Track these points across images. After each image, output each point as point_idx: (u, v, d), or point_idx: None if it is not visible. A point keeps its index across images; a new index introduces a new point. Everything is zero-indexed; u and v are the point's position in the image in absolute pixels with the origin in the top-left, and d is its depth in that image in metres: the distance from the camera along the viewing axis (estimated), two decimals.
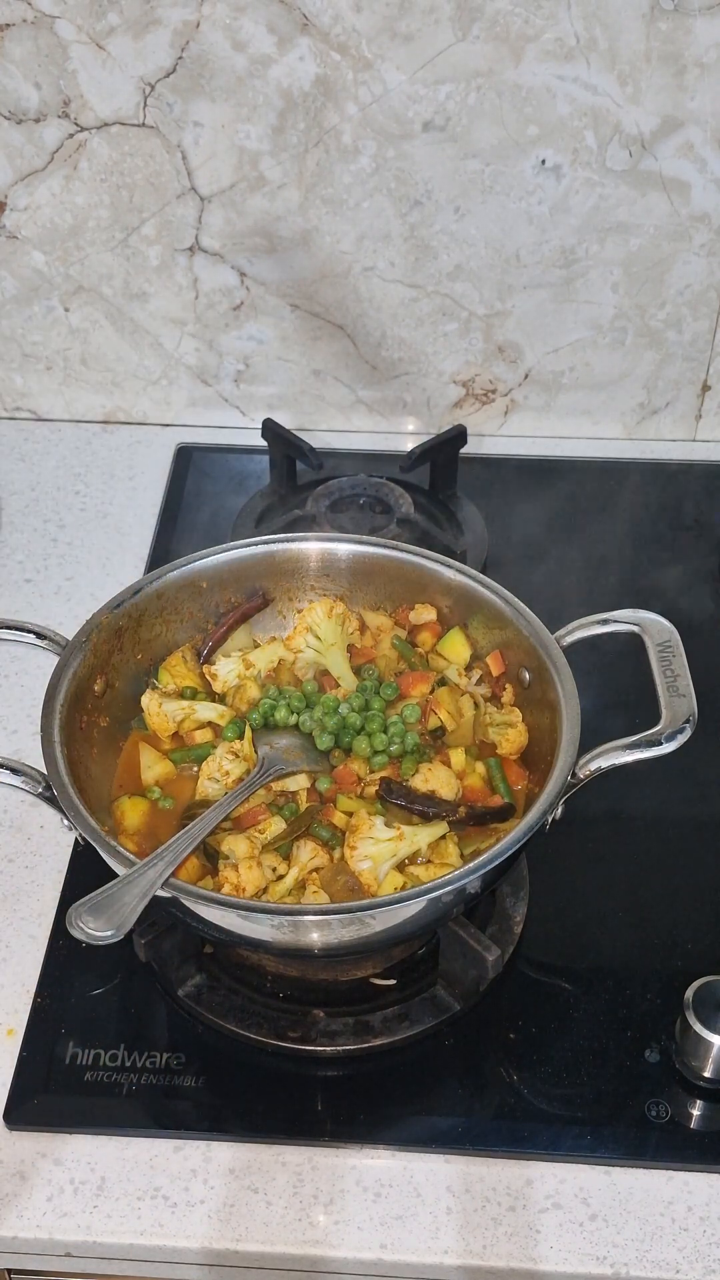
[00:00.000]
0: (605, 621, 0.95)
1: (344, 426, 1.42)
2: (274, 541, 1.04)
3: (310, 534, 1.08)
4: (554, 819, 0.85)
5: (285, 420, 1.32)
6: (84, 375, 1.40)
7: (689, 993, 0.86)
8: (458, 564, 1.01)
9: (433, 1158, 0.84)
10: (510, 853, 0.80)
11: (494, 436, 1.42)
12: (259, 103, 1.20)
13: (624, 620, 0.95)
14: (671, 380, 1.37)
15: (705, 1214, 0.82)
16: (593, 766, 0.86)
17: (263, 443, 1.30)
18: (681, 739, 0.86)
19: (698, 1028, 0.85)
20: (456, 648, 1.00)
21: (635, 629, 0.94)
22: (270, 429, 1.29)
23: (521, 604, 0.97)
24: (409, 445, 1.30)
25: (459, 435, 1.29)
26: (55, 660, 0.93)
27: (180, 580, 1.00)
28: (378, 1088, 0.87)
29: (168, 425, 1.43)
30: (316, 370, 1.37)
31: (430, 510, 1.28)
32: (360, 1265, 0.81)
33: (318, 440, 1.34)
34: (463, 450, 1.30)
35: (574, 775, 0.85)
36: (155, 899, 0.79)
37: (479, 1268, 0.80)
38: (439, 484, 1.30)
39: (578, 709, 0.89)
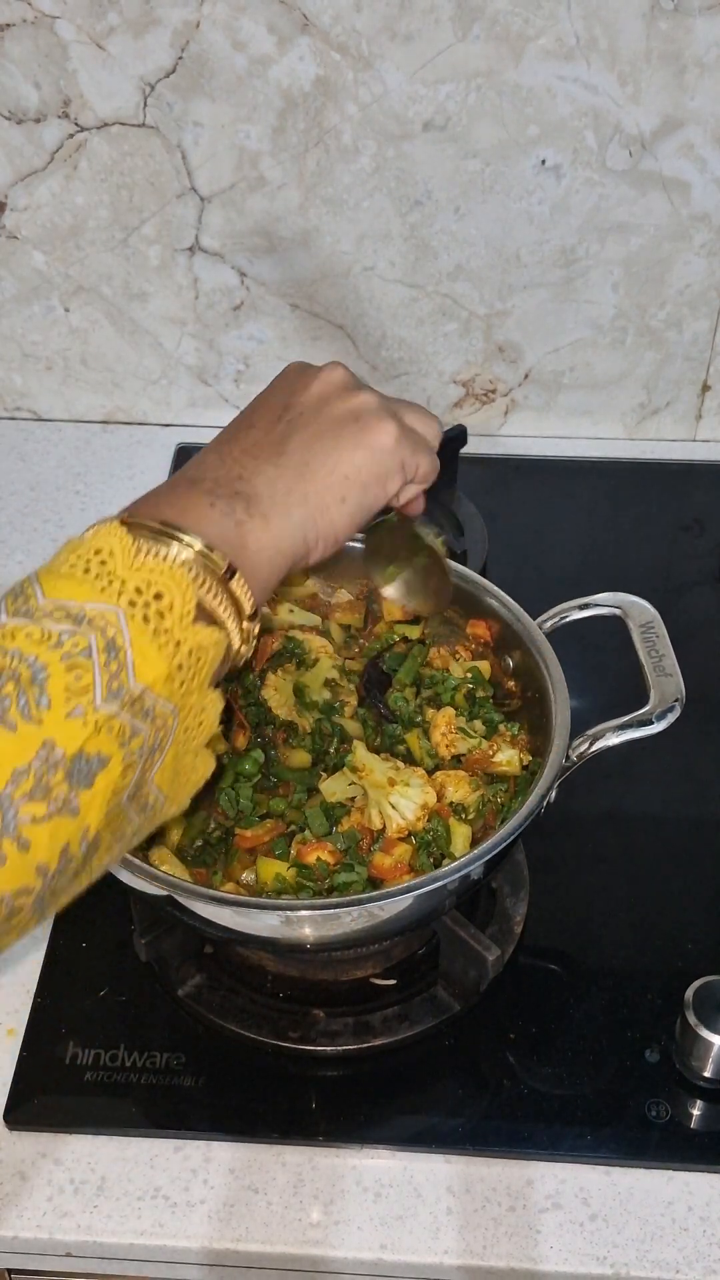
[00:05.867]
0: (586, 605, 0.95)
1: None
2: None
3: None
4: (549, 803, 0.85)
5: None
6: (84, 375, 1.40)
7: (689, 993, 0.86)
8: None
9: (433, 1158, 0.84)
10: (511, 839, 0.80)
11: (494, 436, 1.42)
12: (259, 103, 1.20)
13: (605, 604, 0.95)
14: (671, 380, 1.37)
15: (705, 1214, 0.82)
16: (585, 749, 0.86)
17: None
18: (671, 717, 0.86)
19: (698, 1028, 0.85)
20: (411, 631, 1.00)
21: (617, 612, 0.94)
22: None
23: (498, 589, 0.96)
24: None
25: (459, 435, 1.29)
26: None
27: None
28: (378, 1088, 0.87)
29: (167, 425, 1.43)
30: None
31: (430, 510, 1.28)
32: (360, 1265, 0.81)
33: None
34: (463, 450, 1.30)
35: (567, 758, 0.86)
36: (152, 897, 0.79)
37: (479, 1268, 0.80)
38: (439, 484, 1.30)
39: (566, 693, 0.88)
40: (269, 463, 0.66)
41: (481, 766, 0.90)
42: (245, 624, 0.62)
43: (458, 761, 0.91)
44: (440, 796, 0.87)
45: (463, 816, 0.87)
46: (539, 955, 0.94)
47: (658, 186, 1.24)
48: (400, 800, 0.85)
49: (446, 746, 0.90)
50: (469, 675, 0.95)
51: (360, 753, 0.88)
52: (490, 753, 0.90)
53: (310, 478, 0.66)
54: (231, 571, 0.61)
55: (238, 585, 0.61)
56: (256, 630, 0.64)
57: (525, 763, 0.89)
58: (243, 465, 0.66)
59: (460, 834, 0.85)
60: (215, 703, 0.60)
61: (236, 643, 0.62)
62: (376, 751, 0.89)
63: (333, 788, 0.87)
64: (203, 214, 1.28)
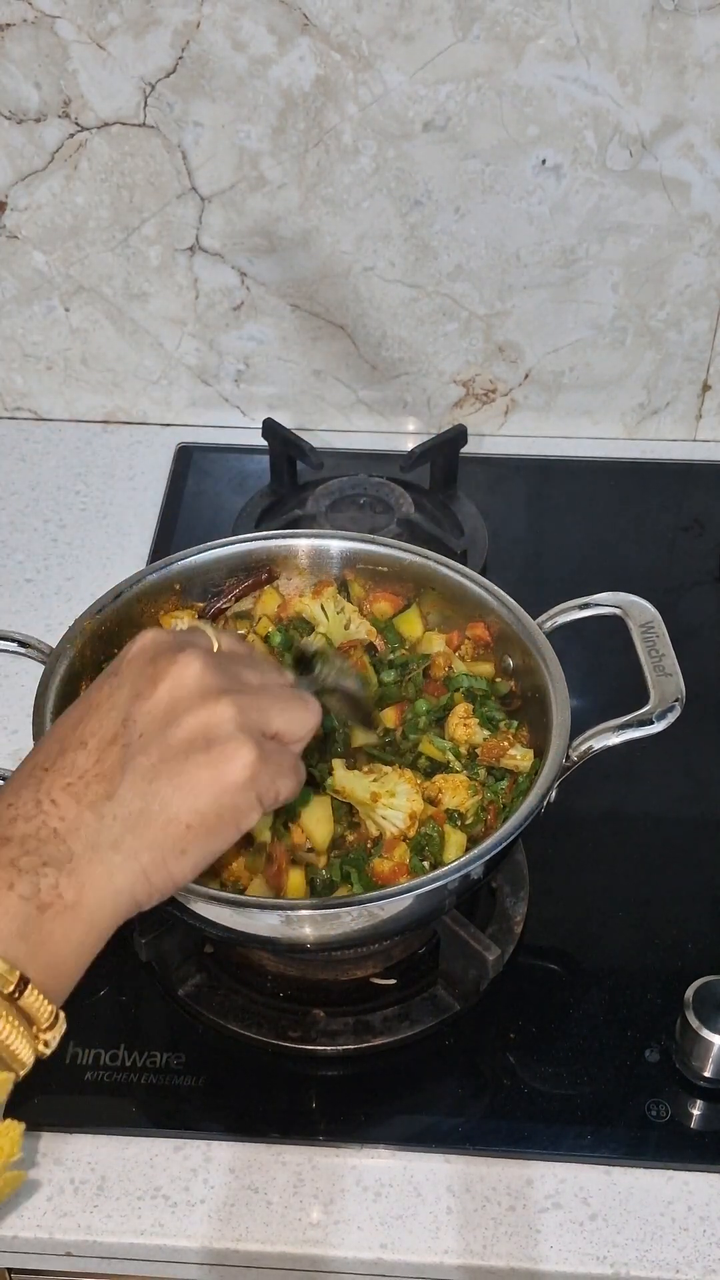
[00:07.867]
0: (586, 605, 0.95)
1: (344, 426, 1.42)
2: (253, 540, 1.03)
3: (288, 531, 1.07)
4: (549, 803, 0.85)
5: (285, 420, 1.32)
6: (84, 375, 1.40)
7: (689, 993, 0.86)
8: (418, 549, 1.00)
9: (433, 1157, 0.84)
10: (511, 839, 0.80)
11: (494, 436, 1.42)
12: (259, 103, 1.21)
13: (605, 604, 0.94)
14: (671, 380, 1.37)
15: (705, 1214, 0.82)
16: (585, 748, 0.86)
17: (263, 443, 1.30)
18: (671, 717, 0.86)
19: (698, 1028, 0.85)
20: (431, 639, 1.00)
21: (617, 611, 0.94)
22: (271, 429, 1.29)
23: (498, 589, 0.96)
24: (409, 445, 1.30)
25: (459, 435, 1.29)
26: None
27: (160, 582, 0.98)
28: (378, 1087, 0.87)
29: (168, 425, 1.43)
30: (316, 370, 1.37)
31: (430, 510, 1.28)
32: (360, 1265, 0.81)
33: (318, 440, 1.34)
34: (463, 450, 1.30)
35: (567, 758, 0.86)
36: None
37: (479, 1267, 0.80)
38: (439, 484, 1.30)
39: (565, 693, 0.88)
40: (93, 810, 0.56)
41: (495, 757, 0.89)
42: (44, 1034, 0.55)
43: (474, 755, 0.90)
44: (436, 803, 0.87)
45: (458, 823, 0.86)
46: (539, 955, 0.94)
47: (658, 186, 1.24)
48: (389, 812, 0.85)
49: (465, 729, 0.90)
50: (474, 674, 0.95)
51: (339, 773, 0.87)
52: (505, 745, 0.90)
53: (144, 829, 0.56)
54: (23, 985, 0.53)
55: (31, 999, 0.53)
56: (61, 1033, 0.56)
57: (533, 763, 0.89)
58: (62, 811, 0.55)
59: (454, 841, 0.85)
60: (7, 1131, 0.53)
61: (28, 1058, 0.55)
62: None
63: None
64: (203, 214, 1.28)
